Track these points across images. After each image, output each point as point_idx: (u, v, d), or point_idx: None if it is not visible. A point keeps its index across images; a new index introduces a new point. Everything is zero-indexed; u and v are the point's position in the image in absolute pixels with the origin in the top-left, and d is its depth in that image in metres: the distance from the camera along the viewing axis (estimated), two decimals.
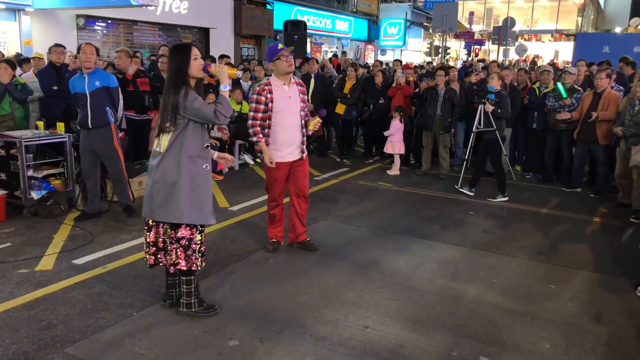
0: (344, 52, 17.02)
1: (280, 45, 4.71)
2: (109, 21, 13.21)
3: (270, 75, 4.85)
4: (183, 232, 3.63)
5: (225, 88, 3.61)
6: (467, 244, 5.43)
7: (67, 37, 11.88)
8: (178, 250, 3.65)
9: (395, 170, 8.52)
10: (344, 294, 4.21)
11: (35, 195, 5.97)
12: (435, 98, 8.13)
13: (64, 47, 8.62)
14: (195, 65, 3.53)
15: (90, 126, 5.77)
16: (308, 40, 20.83)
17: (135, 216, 5.99)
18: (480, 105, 7.14)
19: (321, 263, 4.81)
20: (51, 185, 6.19)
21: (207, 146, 3.64)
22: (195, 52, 3.56)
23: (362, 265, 4.78)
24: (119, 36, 13.65)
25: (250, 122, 4.71)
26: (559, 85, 7.73)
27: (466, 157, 8.05)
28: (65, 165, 6.32)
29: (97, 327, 3.62)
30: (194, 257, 3.68)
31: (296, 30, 10.37)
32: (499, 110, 6.97)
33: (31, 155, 5.98)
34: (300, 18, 19.03)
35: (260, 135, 4.70)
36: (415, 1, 27.68)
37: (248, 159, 8.78)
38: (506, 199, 7.15)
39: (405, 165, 9.07)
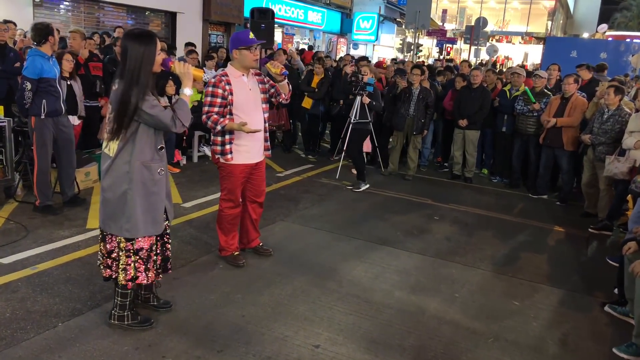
0: (311, 47, 16.54)
1: (251, 35, 4.17)
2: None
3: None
4: (141, 244, 3.26)
5: (188, 92, 3.22)
6: (429, 252, 5.17)
7: (22, 13, 11.13)
8: (137, 263, 3.27)
9: None
10: (296, 306, 3.89)
11: None
12: (409, 97, 7.84)
13: (14, 24, 8.05)
14: (158, 60, 3.13)
15: (63, 112, 5.38)
16: (280, 30, 20.38)
17: (83, 207, 5.56)
18: (357, 97, 7.24)
19: (274, 270, 4.48)
20: None
21: (162, 148, 3.26)
22: (160, 45, 3.14)
23: (319, 274, 4.47)
24: (79, 16, 12.93)
25: (204, 116, 4.12)
26: (527, 90, 7.57)
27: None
28: (4, 152, 5.80)
29: (12, 339, 3.21)
30: (152, 269, 3.33)
31: (263, 19, 9.91)
32: (374, 103, 7.26)
33: None
34: (271, 7, 18.54)
35: (222, 119, 4.11)
36: None
37: (208, 150, 8.35)
38: (367, 186, 7.34)
39: (372, 164, 8.80)
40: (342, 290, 4.20)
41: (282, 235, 5.33)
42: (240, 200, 4.50)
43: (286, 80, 4.36)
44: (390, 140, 8.62)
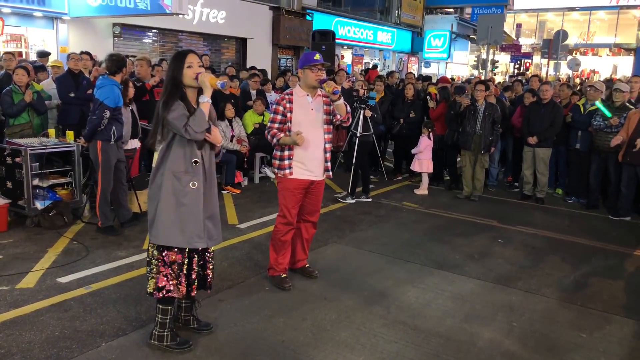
0: (375, 65, 16.41)
1: (317, 56, 4.26)
2: (146, 30, 13.24)
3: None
4: (173, 257, 3.33)
5: (203, 100, 3.25)
6: (489, 278, 4.84)
7: (103, 45, 11.95)
8: (169, 275, 3.33)
9: (423, 190, 7.96)
10: (339, 332, 3.74)
11: (39, 205, 5.80)
12: (475, 115, 7.48)
13: (89, 55, 8.57)
14: (188, 73, 3.23)
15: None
16: (349, 52, 20.50)
17: (143, 227, 5.71)
18: (360, 111, 7.35)
19: (321, 294, 4.35)
20: (57, 195, 6.01)
21: (196, 162, 3.30)
22: (190, 59, 3.26)
23: (366, 299, 4.29)
24: (155, 45, 13.67)
25: (266, 131, 4.36)
26: (598, 103, 7.03)
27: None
28: (72, 175, 6.14)
29: (57, 358, 3.29)
30: (183, 284, 3.36)
31: (324, 40, 9.99)
32: (374, 115, 7.50)
33: (37, 164, 5.82)
34: (340, 29, 18.70)
35: (280, 134, 4.23)
36: (461, 13, 26.89)
37: (269, 172, 8.41)
38: (370, 199, 7.44)
39: (437, 184, 8.50)
40: (389, 317, 4.00)
41: (334, 258, 5.20)
42: (295, 220, 4.46)
43: (341, 100, 4.28)
44: (459, 159, 8.30)
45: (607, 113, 6.93)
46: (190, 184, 3.29)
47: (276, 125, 4.26)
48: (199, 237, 3.33)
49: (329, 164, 4.44)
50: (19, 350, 3.36)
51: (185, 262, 3.36)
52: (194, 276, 3.41)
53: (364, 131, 7.30)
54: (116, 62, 5.57)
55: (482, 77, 14.80)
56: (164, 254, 3.32)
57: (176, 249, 3.31)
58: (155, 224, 3.30)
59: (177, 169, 3.27)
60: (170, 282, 3.33)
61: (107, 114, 5.40)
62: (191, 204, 3.30)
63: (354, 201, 7.33)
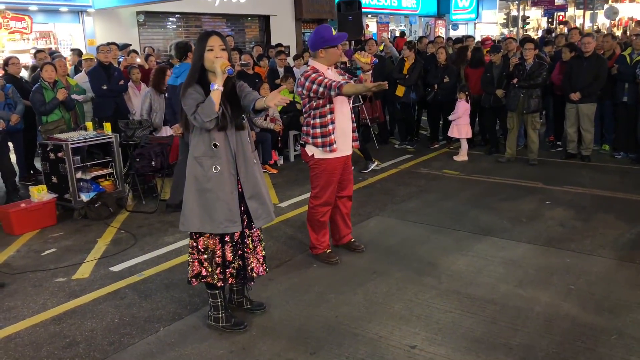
0: (403, 33, 16.02)
1: (334, 32, 4.15)
2: (168, 16, 13.24)
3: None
4: (204, 244, 3.29)
5: (213, 88, 3.05)
6: (539, 241, 4.72)
7: (129, 34, 12.04)
8: (204, 262, 3.32)
9: (462, 156, 7.80)
10: (391, 305, 3.71)
11: (84, 197, 5.92)
12: (523, 75, 7.17)
13: (117, 45, 8.62)
14: (209, 57, 3.12)
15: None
16: (374, 20, 20.11)
17: None
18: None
19: (369, 267, 4.32)
20: (100, 187, 6.12)
21: (215, 145, 3.17)
22: (211, 42, 3.13)
23: (416, 270, 4.24)
24: (179, 30, 13.68)
25: (321, 88, 3.93)
26: None
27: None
28: (114, 165, 6.23)
29: (120, 344, 3.37)
30: (218, 271, 3.32)
31: (350, 10, 9.79)
32: None
33: (79, 157, 5.92)
34: None
35: (340, 81, 3.95)
36: None
37: None
38: (375, 164, 7.47)
39: (475, 149, 8.32)
40: (441, 287, 3.95)
41: (378, 231, 5.16)
42: (334, 199, 4.41)
43: (370, 71, 4.22)
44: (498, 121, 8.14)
45: None
46: (213, 168, 3.16)
47: (327, 78, 3.95)
48: (230, 222, 3.19)
49: (356, 133, 4.41)
50: (83, 338, 3.45)
51: (218, 249, 3.29)
52: (227, 264, 3.33)
53: (355, 102, 7.22)
54: (181, 49, 5.76)
55: (514, 35, 14.29)
56: (197, 241, 3.30)
57: (208, 235, 3.26)
58: (183, 211, 3.25)
59: (198, 154, 3.18)
60: (205, 269, 3.31)
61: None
62: (216, 189, 3.17)
63: (375, 164, 7.44)
